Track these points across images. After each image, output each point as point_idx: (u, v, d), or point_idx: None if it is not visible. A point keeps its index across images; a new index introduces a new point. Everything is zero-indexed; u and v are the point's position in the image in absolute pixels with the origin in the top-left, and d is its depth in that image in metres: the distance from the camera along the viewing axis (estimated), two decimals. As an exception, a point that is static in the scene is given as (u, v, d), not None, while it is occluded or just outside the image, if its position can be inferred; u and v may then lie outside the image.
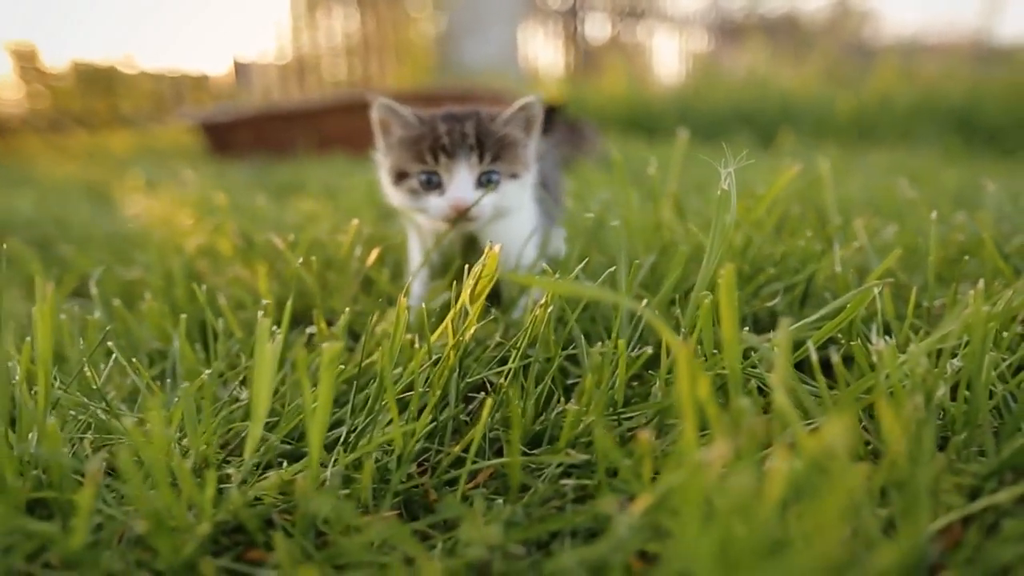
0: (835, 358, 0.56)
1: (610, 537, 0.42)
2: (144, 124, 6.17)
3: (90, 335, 0.74)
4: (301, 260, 0.92)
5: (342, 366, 0.70)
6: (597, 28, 7.72)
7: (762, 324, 0.83)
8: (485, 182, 0.81)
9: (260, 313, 0.57)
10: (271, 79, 6.67)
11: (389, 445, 0.60)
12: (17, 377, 0.56)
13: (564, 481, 0.55)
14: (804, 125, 3.18)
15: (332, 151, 3.10)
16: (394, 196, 0.86)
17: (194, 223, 1.36)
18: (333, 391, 0.52)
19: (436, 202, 0.80)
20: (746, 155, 0.69)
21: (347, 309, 0.70)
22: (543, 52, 7.38)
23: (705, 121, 3.44)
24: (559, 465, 0.56)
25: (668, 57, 8.18)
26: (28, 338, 0.58)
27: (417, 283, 0.93)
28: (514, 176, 0.83)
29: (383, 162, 0.87)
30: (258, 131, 3.35)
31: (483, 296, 0.62)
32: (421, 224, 0.89)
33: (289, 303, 0.75)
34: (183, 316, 0.75)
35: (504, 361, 0.66)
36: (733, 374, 0.48)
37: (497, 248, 0.62)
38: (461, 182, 0.79)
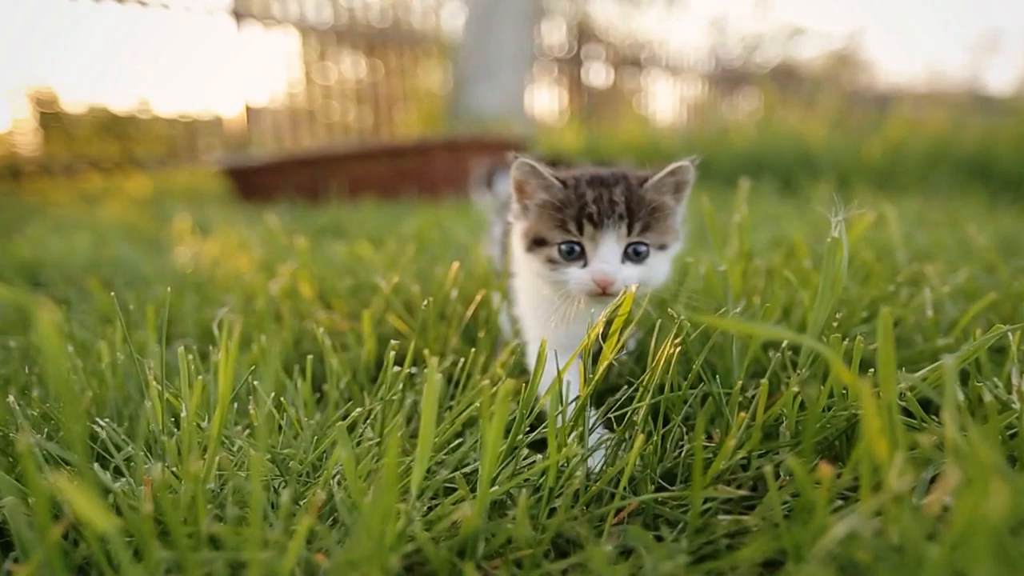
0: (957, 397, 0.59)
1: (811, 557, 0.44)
2: (156, 168, 6.26)
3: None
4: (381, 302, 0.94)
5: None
6: (599, 76, 7.97)
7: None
8: (632, 254, 0.74)
9: (434, 370, 0.60)
10: (282, 123, 6.81)
11: (528, 481, 0.63)
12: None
13: (721, 517, 0.57)
14: (823, 172, 3.25)
15: (360, 196, 3.16)
16: (526, 261, 0.78)
17: (259, 266, 1.40)
18: (503, 428, 0.54)
19: (577, 275, 0.73)
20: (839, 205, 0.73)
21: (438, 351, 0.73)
22: (548, 98, 7.60)
23: (723, 166, 3.51)
24: (708, 500, 0.59)
25: (667, 102, 8.44)
26: (201, 377, 0.60)
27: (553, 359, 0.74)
28: (662, 248, 0.76)
29: (516, 225, 0.80)
30: (284, 176, 3.42)
31: (616, 337, 0.65)
32: (550, 292, 0.78)
33: (411, 347, 0.78)
34: (310, 358, 0.77)
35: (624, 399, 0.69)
36: (892, 408, 0.51)
37: (634, 288, 0.65)
38: (607, 255, 0.72)
